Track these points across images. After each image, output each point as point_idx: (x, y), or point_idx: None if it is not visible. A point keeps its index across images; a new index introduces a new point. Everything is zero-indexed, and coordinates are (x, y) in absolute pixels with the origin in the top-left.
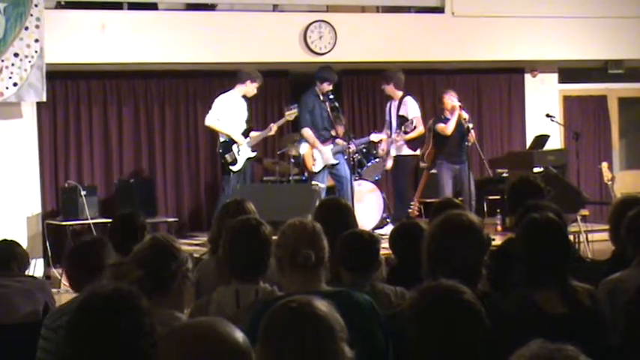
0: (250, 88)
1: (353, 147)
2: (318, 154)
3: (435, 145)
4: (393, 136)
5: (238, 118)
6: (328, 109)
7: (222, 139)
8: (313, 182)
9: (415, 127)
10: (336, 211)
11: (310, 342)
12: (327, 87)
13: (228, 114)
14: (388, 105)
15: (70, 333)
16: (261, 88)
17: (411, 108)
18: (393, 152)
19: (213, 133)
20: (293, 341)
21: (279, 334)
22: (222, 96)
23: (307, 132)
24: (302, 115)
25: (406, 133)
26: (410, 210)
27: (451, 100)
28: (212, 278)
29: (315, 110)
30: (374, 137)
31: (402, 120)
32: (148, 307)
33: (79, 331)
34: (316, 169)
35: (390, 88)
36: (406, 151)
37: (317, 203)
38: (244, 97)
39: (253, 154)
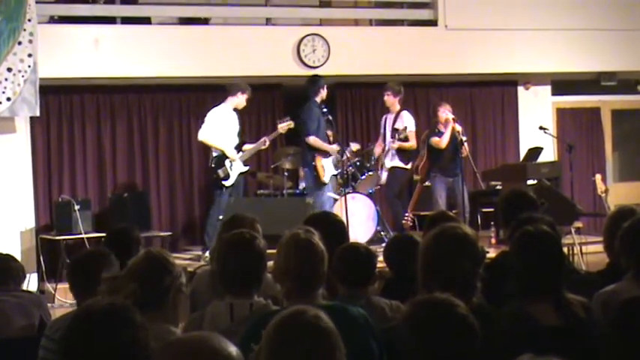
0: (241, 99)
1: (345, 157)
2: (327, 163)
3: (429, 159)
4: (387, 143)
5: (231, 131)
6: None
7: (214, 154)
8: (328, 193)
9: (407, 138)
10: (325, 225)
11: (323, 355)
12: (325, 91)
13: (221, 128)
14: (384, 118)
15: (64, 347)
16: (251, 100)
17: (408, 122)
18: (388, 164)
19: (206, 147)
20: (310, 354)
21: (295, 347)
22: (214, 110)
23: (315, 140)
24: (308, 124)
25: (400, 140)
26: (403, 222)
27: (445, 113)
28: (206, 291)
29: (320, 121)
30: (353, 146)
31: (395, 132)
32: (143, 321)
33: (72, 346)
34: (327, 179)
35: (393, 101)
36: (397, 163)
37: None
38: (235, 109)
39: (246, 169)
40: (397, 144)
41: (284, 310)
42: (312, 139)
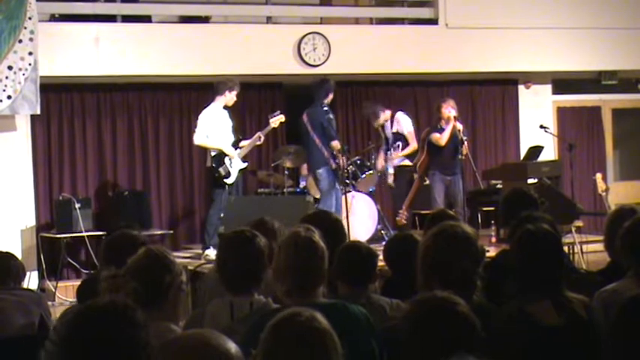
0: (229, 97)
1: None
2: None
3: (428, 155)
4: (388, 154)
5: (225, 130)
6: None
7: (213, 153)
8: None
9: (407, 141)
10: (323, 223)
11: (318, 357)
12: (332, 96)
13: (215, 128)
14: (383, 130)
15: (64, 346)
16: (253, 99)
17: (404, 124)
18: (391, 170)
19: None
20: (302, 356)
21: (288, 348)
22: (205, 111)
23: (337, 144)
24: (328, 128)
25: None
26: (397, 219)
27: (448, 110)
28: (214, 290)
29: None
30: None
31: (396, 136)
32: (144, 320)
33: (73, 345)
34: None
35: (380, 117)
36: (403, 162)
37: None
38: (225, 107)
39: (245, 165)
40: (396, 154)
41: (281, 311)
42: (336, 143)
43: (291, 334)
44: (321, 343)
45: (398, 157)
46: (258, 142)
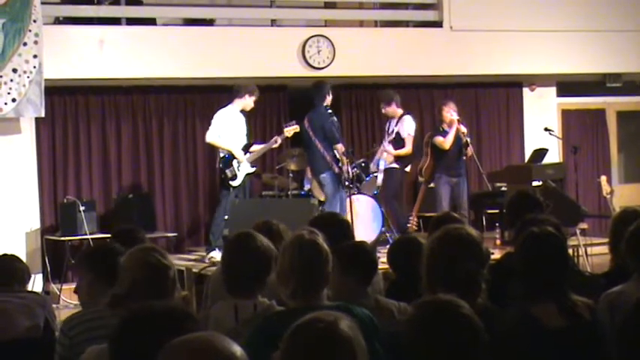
0: (249, 101)
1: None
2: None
3: (433, 159)
4: (383, 145)
5: (238, 133)
6: None
7: (221, 155)
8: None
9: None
10: (330, 225)
11: None
12: (331, 97)
13: (228, 129)
14: (388, 123)
15: (113, 348)
16: (258, 102)
17: (407, 126)
18: (382, 166)
19: (212, 148)
20: None
21: (304, 354)
22: (221, 111)
23: (342, 147)
24: (331, 132)
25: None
26: (409, 225)
27: (450, 113)
28: (218, 292)
29: None
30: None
31: (396, 136)
32: (196, 329)
33: (121, 348)
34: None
35: (391, 109)
36: (393, 164)
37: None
38: (242, 111)
39: (253, 170)
40: (389, 149)
41: (285, 313)
42: (340, 146)
43: (312, 341)
44: (342, 350)
45: (389, 154)
46: (275, 145)
